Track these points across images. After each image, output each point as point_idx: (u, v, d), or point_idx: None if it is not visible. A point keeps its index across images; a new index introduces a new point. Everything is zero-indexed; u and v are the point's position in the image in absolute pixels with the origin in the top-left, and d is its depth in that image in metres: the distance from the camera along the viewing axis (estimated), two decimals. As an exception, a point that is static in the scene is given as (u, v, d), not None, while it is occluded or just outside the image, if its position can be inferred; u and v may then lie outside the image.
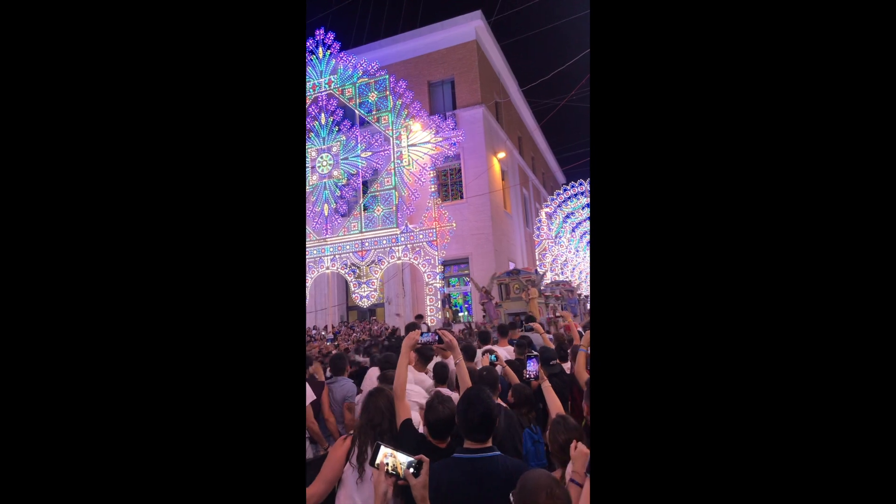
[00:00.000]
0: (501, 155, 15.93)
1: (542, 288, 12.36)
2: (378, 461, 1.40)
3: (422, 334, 2.33)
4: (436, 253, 11.53)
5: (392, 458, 1.41)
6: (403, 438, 2.05)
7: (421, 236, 11.65)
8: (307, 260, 12.58)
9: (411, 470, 1.39)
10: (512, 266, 14.71)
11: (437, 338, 2.35)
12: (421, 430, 2.06)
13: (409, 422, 2.09)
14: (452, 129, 11.79)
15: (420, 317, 10.86)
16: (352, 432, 1.96)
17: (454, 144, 11.75)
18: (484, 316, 12.17)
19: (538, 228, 18.32)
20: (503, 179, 16.77)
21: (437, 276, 11.36)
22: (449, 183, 14.86)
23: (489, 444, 1.68)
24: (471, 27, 15.05)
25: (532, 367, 2.87)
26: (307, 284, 12.60)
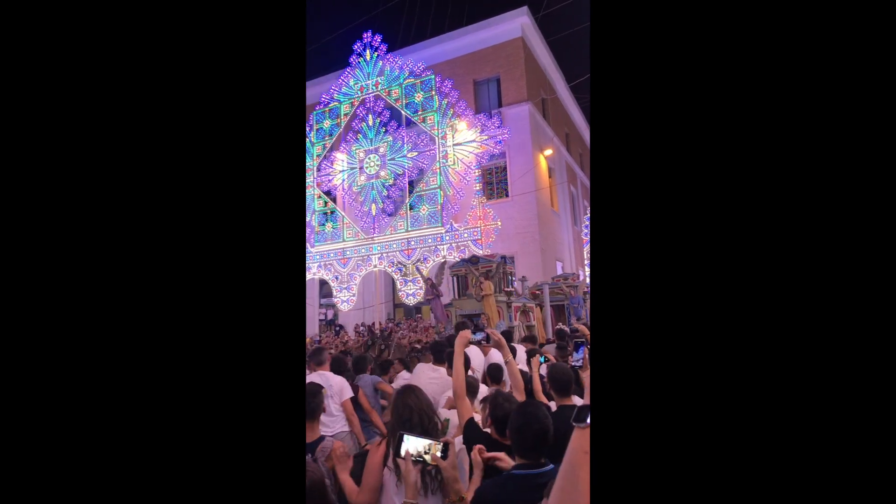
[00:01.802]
0: (548, 152, 15.69)
1: (517, 288, 9.95)
2: (403, 451, 1.42)
3: (472, 333, 2.38)
4: (480, 251, 11.52)
5: (418, 445, 1.43)
6: (469, 437, 2.07)
7: (466, 235, 11.68)
8: (356, 258, 12.90)
9: (438, 453, 1.41)
10: (559, 268, 14.29)
11: (486, 336, 2.38)
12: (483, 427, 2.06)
13: (472, 420, 2.13)
14: (498, 127, 11.73)
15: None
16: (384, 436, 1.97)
17: (499, 142, 11.69)
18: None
19: (587, 227, 17.91)
20: (550, 177, 16.51)
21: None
22: (494, 181, 14.79)
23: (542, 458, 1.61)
24: (517, 24, 14.91)
25: (579, 355, 2.77)
26: (356, 282, 12.91)
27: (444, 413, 2.43)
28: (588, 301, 10.69)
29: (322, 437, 2.23)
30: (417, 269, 11.24)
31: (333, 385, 3.46)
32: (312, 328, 15.09)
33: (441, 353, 3.56)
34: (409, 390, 2.00)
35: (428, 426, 1.86)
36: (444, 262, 11.47)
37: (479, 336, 2.40)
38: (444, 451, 1.41)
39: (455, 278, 9.96)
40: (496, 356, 3.58)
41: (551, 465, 1.57)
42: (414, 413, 1.86)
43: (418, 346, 6.75)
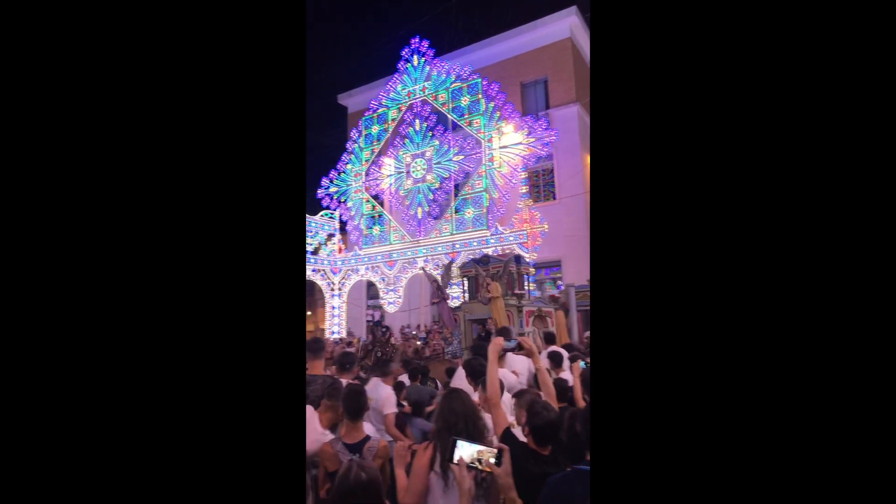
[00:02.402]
0: (597, 154, 15.31)
1: (528, 287, 8.96)
2: (457, 457, 1.41)
3: (505, 341, 2.39)
4: (526, 255, 11.39)
5: (471, 452, 1.42)
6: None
7: (511, 238, 11.58)
8: (402, 261, 13.08)
9: (492, 460, 1.40)
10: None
11: (518, 344, 2.40)
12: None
13: (508, 430, 2.11)
14: (545, 130, 11.58)
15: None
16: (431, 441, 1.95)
17: (547, 144, 11.53)
18: (435, 323, 9.66)
19: (637, 230, 17.28)
20: (599, 179, 16.09)
21: (529, 280, 11.20)
22: (541, 184, 14.60)
23: None
24: (565, 24, 14.67)
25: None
26: (402, 284, 13.09)
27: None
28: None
29: (367, 437, 2.25)
30: (445, 271, 10.65)
31: (380, 397, 3.34)
32: (359, 329, 15.41)
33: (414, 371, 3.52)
34: (454, 394, 1.98)
35: (473, 431, 1.83)
36: (451, 262, 10.83)
37: (512, 344, 2.38)
38: (499, 457, 1.40)
39: (466, 279, 9.23)
40: (517, 364, 3.51)
41: None
42: (460, 418, 1.84)
43: (415, 356, 6.22)
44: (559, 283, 12.38)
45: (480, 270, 8.56)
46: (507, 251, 10.17)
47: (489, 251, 11.51)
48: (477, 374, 3.01)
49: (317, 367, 3.02)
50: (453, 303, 10.08)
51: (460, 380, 3.42)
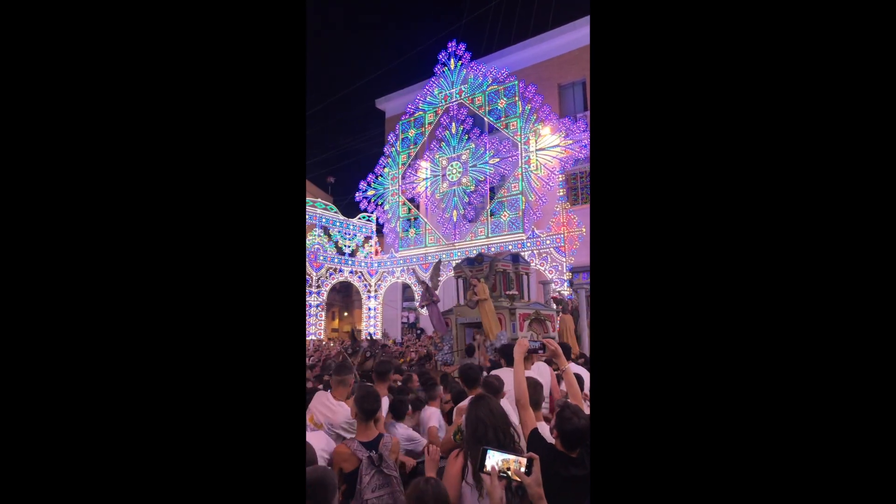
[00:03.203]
0: (638, 156, 14.93)
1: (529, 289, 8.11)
2: (489, 467, 1.40)
3: (530, 342, 2.39)
4: (563, 259, 11.21)
5: (501, 460, 1.41)
6: (532, 449, 2.02)
7: (548, 242, 11.43)
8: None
9: (523, 469, 1.38)
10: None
11: (542, 345, 2.43)
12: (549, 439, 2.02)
13: (536, 431, 2.08)
14: (583, 132, 11.38)
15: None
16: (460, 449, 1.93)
17: (584, 146, 11.33)
18: (412, 331, 8.76)
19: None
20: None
21: (565, 284, 11.01)
22: (579, 186, 14.35)
23: None
24: (605, 24, 14.40)
25: None
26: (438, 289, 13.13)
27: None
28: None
29: (381, 435, 2.30)
30: (433, 271, 9.87)
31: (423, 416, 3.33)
32: (394, 331, 15.56)
33: (383, 374, 3.38)
34: (481, 401, 1.95)
35: (504, 440, 1.81)
36: (440, 261, 10.07)
37: (536, 345, 2.45)
38: (529, 466, 1.39)
39: (459, 281, 8.44)
40: (539, 367, 3.40)
41: None
42: (489, 428, 1.82)
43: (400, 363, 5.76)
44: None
45: (467, 271, 7.91)
46: (501, 252, 9.30)
47: (521, 253, 11.40)
48: (472, 382, 2.98)
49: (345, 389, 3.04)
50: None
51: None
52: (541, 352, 2.51)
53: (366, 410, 2.30)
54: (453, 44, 13.59)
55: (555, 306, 8.31)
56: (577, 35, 14.74)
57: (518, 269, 8.19)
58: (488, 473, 1.39)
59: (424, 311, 8.22)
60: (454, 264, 9.12)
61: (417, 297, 9.39)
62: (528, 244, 11.67)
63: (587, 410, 2.26)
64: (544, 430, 2.16)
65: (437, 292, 8.19)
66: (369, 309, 14.73)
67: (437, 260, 10.29)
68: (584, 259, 12.26)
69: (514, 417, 2.30)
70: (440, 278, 9.90)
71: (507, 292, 7.61)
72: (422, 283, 8.72)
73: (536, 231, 11.70)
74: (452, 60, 13.62)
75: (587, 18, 14.51)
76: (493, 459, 1.41)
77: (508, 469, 1.39)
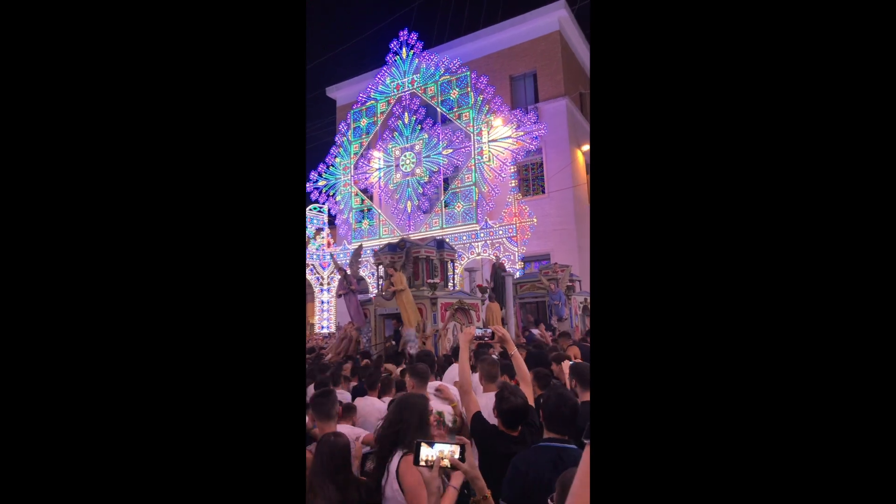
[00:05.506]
0: (586, 148, 15.36)
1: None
2: (422, 459, 1.43)
3: (476, 330, 2.58)
4: (515, 249, 11.43)
5: (434, 451, 1.45)
6: (476, 431, 2.12)
7: (501, 232, 11.61)
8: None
9: (457, 456, 1.42)
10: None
11: (490, 333, 2.56)
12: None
13: (479, 414, 2.20)
14: (534, 123, 11.59)
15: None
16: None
17: (535, 138, 11.55)
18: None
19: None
20: (587, 173, 16.19)
21: (518, 273, 11.25)
22: (530, 178, 14.63)
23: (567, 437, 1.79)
24: (554, 18, 14.64)
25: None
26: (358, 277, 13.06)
27: (437, 405, 2.47)
28: (573, 298, 8.99)
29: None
30: (352, 257, 8.74)
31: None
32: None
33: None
34: (405, 402, 1.98)
35: (428, 430, 1.89)
36: (360, 247, 9.20)
37: (481, 332, 2.57)
38: (462, 453, 1.43)
39: (380, 268, 7.79)
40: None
41: (575, 446, 1.77)
42: (411, 428, 1.84)
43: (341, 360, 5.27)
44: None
45: (387, 258, 7.32)
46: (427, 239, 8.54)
47: (479, 244, 11.53)
48: (423, 378, 2.90)
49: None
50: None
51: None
52: (487, 338, 2.62)
53: (322, 410, 2.32)
54: (405, 32, 13.43)
55: (479, 294, 8.14)
56: (527, 27, 14.92)
57: (443, 256, 7.89)
58: (424, 465, 1.42)
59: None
60: (376, 250, 8.44)
61: (364, 290, 8.74)
62: (482, 234, 11.81)
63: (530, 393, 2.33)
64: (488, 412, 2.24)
65: (356, 281, 7.55)
66: (322, 302, 14.48)
67: (357, 246, 9.36)
68: (536, 248, 12.56)
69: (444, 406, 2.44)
70: (360, 265, 9.33)
71: (429, 280, 7.26)
72: (340, 269, 7.92)
73: (489, 222, 11.86)
74: (404, 49, 13.47)
75: (537, 11, 14.72)
76: (426, 451, 1.44)
77: (444, 458, 1.43)
